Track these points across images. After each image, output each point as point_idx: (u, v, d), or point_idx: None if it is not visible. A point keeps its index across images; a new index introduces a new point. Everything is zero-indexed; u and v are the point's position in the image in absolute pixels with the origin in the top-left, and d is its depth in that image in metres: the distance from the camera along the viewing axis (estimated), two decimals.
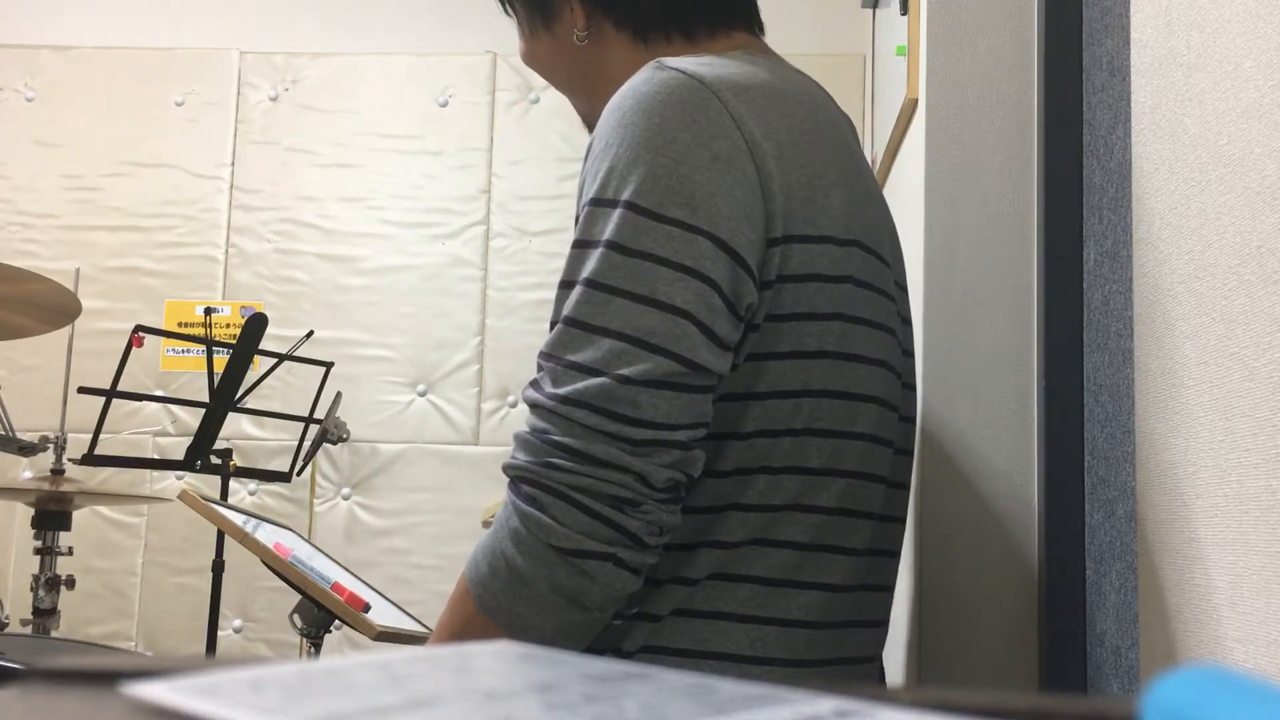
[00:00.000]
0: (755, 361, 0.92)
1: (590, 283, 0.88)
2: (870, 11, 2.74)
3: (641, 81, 0.92)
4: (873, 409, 0.97)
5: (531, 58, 1.13)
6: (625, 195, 0.88)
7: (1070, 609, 1.33)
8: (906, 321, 1.11)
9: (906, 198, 1.72)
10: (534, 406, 0.88)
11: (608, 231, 0.88)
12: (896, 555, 1.08)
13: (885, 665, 1.80)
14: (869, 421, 0.97)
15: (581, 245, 0.90)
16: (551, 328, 0.95)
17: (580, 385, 0.85)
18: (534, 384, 0.89)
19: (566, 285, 0.90)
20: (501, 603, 0.87)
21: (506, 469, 0.88)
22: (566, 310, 0.88)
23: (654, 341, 0.85)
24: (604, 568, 0.86)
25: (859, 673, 1.01)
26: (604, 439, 0.85)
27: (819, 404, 0.93)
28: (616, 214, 0.88)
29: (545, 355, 0.89)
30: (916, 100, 1.64)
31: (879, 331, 0.98)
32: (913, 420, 1.10)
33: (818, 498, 0.94)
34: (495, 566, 0.87)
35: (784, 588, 0.93)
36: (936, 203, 1.50)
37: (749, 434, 0.93)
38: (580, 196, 0.94)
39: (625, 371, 0.85)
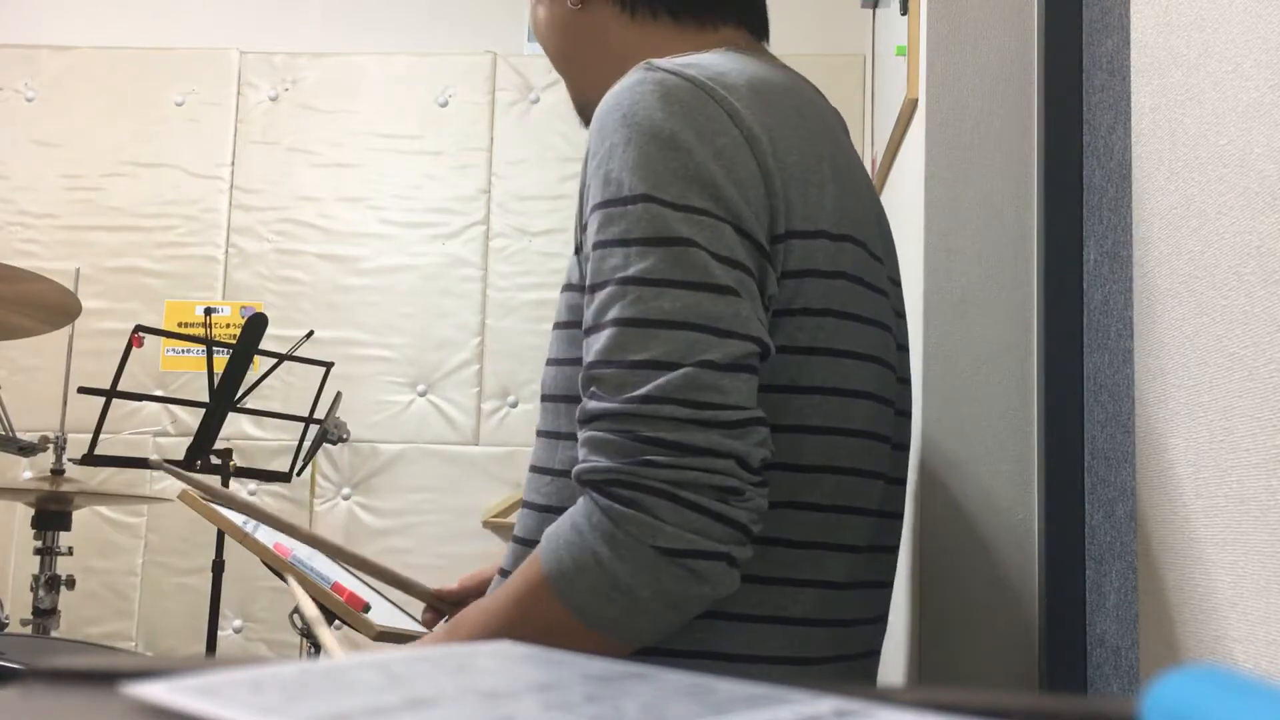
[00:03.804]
0: None
1: (634, 280, 0.84)
2: (870, 11, 2.74)
3: (635, 82, 0.91)
4: (867, 405, 0.97)
5: (535, 24, 1.14)
6: (642, 190, 0.86)
7: (1070, 609, 1.33)
8: (900, 315, 1.10)
9: (906, 198, 1.72)
10: (599, 418, 0.83)
11: (635, 228, 0.85)
12: (895, 550, 1.07)
13: (885, 664, 1.80)
14: (864, 417, 0.96)
15: (606, 245, 0.87)
16: (559, 327, 0.93)
17: (660, 381, 0.82)
18: (591, 395, 0.85)
19: (595, 288, 0.87)
20: (589, 602, 0.83)
21: (587, 473, 0.83)
22: (613, 313, 0.84)
23: (723, 326, 0.83)
24: (718, 568, 0.82)
25: (857, 667, 1.01)
26: (699, 427, 0.81)
27: (810, 400, 0.93)
28: (639, 209, 0.86)
29: (602, 362, 0.84)
30: (916, 100, 1.64)
31: (871, 327, 0.98)
32: (908, 415, 1.10)
33: (810, 494, 0.93)
34: (583, 567, 0.82)
35: (782, 586, 0.93)
36: (936, 203, 1.50)
37: None
38: (582, 200, 0.92)
39: (704, 357, 0.82)
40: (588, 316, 0.88)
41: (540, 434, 1.00)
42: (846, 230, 0.95)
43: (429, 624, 1.31)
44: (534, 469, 1.00)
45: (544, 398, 0.99)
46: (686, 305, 0.83)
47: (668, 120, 0.88)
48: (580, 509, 0.84)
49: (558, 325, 0.97)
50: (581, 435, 0.85)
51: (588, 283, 0.88)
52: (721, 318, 0.84)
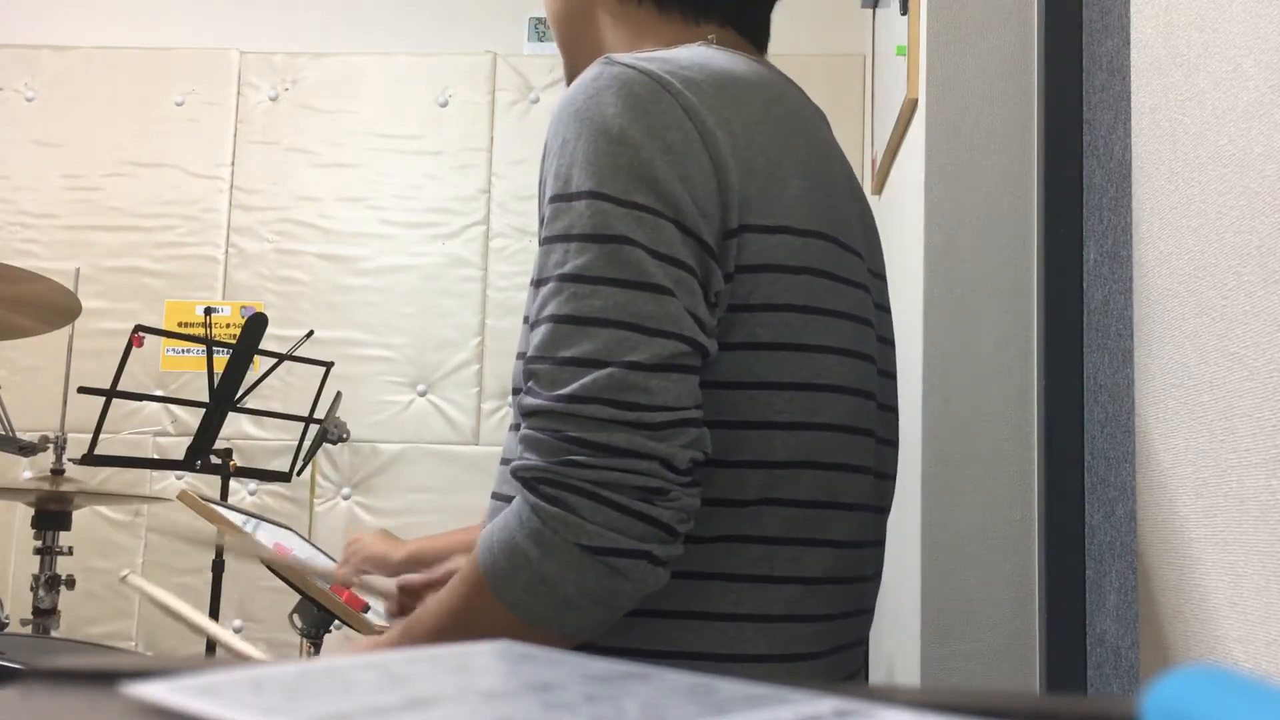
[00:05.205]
0: None
1: (570, 277, 0.86)
2: (870, 11, 2.75)
3: (592, 77, 0.92)
4: (844, 399, 0.96)
5: None
6: (588, 186, 0.87)
7: (1070, 609, 1.33)
8: (884, 309, 1.10)
9: (906, 198, 1.73)
10: (534, 413, 0.85)
11: (577, 224, 0.87)
12: (881, 545, 1.07)
13: (886, 664, 1.80)
14: (841, 412, 0.96)
15: (551, 241, 0.88)
16: (528, 325, 0.93)
17: (586, 380, 0.83)
18: (528, 391, 0.87)
19: (540, 283, 0.89)
20: (521, 598, 0.85)
21: (519, 470, 0.85)
22: (550, 309, 0.86)
23: (652, 325, 0.84)
24: (639, 566, 0.84)
25: (839, 661, 1.00)
26: (622, 428, 0.83)
27: (780, 396, 0.92)
28: (582, 204, 0.87)
29: (536, 358, 0.86)
30: (916, 100, 1.64)
31: (845, 321, 0.97)
32: (894, 409, 1.10)
33: (787, 491, 0.93)
34: (515, 564, 0.84)
35: (760, 583, 0.92)
36: (936, 203, 1.50)
37: None
38: (542, 195, 0.93)
39: (630, 358, 0.83)
40: (531, 311, 0.90)
41: (512, 428, 1.00)
42: (815, 225, 0.95)
43: (400, 611, 1.31)
44: (504, 461, 1.01)
45: (514, 391, 1.00)
46: (618, 303, 0.85)
47: (619, 115, 0.88)
48: (513, 506, 0.87)
49: (526, 320, 0.97)
50: (520, 431, 0.88)
51: (535, 277, 0.90)
52: (652, 316, 0.85)
